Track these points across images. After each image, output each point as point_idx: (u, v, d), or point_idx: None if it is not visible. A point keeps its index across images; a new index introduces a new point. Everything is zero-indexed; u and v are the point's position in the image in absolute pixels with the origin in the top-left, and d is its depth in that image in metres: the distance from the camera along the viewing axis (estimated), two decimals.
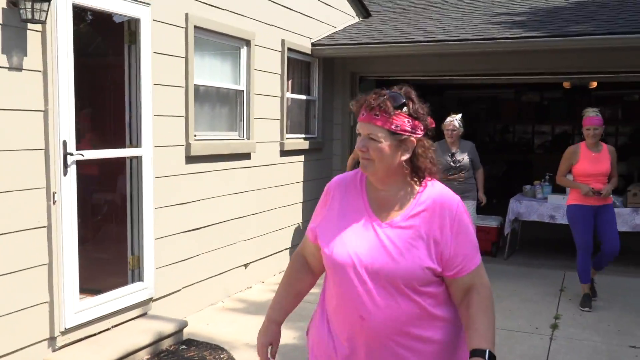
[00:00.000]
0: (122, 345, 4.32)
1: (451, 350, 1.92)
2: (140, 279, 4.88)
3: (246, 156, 6.26)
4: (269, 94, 6.65)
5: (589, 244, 5.73)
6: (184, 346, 4.74)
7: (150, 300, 4.97)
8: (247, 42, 6.20)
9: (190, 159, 5.39)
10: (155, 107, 4.93)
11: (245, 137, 6.27)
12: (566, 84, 10.73)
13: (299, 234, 7.38)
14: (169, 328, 4.74)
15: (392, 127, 1.82)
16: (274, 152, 6.81)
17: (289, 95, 7.13)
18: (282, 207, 7.01)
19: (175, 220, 5.23)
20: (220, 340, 4.89)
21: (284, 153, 7.00)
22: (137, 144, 4.81)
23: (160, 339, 4.63)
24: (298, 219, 7.40)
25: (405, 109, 1.84)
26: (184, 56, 5.28)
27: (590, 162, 5.69)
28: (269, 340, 2.12)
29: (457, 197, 1.93)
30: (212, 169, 5.71)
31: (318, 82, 7.89)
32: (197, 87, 5.53)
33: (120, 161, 4.87)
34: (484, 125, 14.84)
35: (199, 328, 5.13)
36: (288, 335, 4.98)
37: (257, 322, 5.22)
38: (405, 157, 1.87)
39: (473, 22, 7.90)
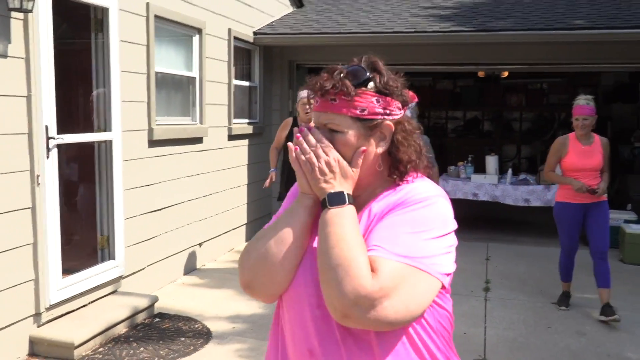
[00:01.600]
0: (103, 319, 4.56)
1: None
2: (112, 257, 5.10)
3: (199, 140, 6.54)
4: (218, 80, 6.94)
5: (573, 246, 5.35)
6: (157, 319, 5.02)
7: (121, 277, 5.20)
8: (199, 31, 6.46)
9: (153, 143, 5.63)
10: (122, 93, 5.13)
11: (198, 122, 6.55)
12: (481, 73, 11.61)
13: (245, 215, 7.74)
14: (143, 303, 5.00)
15: (357, 112, 1.39)
16: (222, 137, 7.11)
17: (235, 82, 7.43)
18: (230, 189, 7.34)
19: (140, 201, 5.47)
20: (190, 313, 5.21)
21: (231, 137, 7.32)
22: (106, 129, 5.01)
23: (136, 313, 4.89)
24: (244, 200, 7.74)
25: (371, 84, 1.40)
26: (146, 44, 5.50)
27: (579, 156, 5.16)
28: None
29: (430, 195, 1.39)
30: (171, 153, 5.97)
31: (259, 70, 8.23)
32: (156, 74, 5.75)
33: (88, 146, 5.05)
34: None
35: (165, 303, 5.41)
36: (253, 306, 5.37)
37: (218, 295, 5.60)
38: (383, 148, 1.42)
39: (403, 15, 8.49)
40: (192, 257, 6.49)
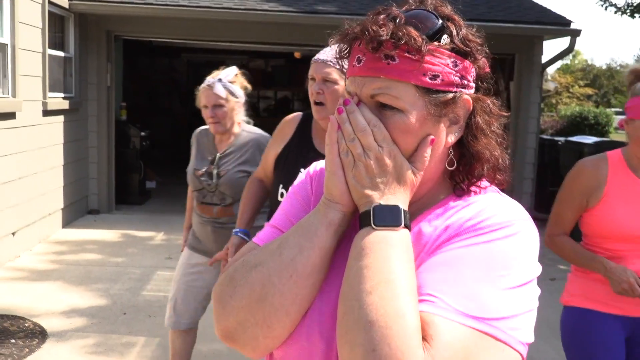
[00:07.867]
0: None
1: None
2: None
3: (12, 116, 5.80)
4: (31, 49, 6.20)
5: None
6: None
7: None
8: None
9: None
10: None
11: (10, 95, 5.80)
12: (297, 54, 11.80)
13: (62, 199, 7.08)
14: None
15: (427, 79, 0.91)
16: (37, 112, 6.39)
17: (49, 51, 6.70)
18: (45, 170, 6.64)
19: None
20: (15, 311, 4.63)
21: (46, 113, 6.61)
22: None
23: None
24: (59, 182, 7.06)
25: (445, 38, 0.93)
26: None
27: (632, 205, 2.24)
28: None
29: (513, 218, 0.90)
30: None
31: (74, 39, 7.51)
32: None
33: None
34: None
35: None
36: (88, 297, 4.96)
37: (44, 289, 5.06)
38: (456, 136, 0.96)
39: None
40: (6, 248, 5.78)
